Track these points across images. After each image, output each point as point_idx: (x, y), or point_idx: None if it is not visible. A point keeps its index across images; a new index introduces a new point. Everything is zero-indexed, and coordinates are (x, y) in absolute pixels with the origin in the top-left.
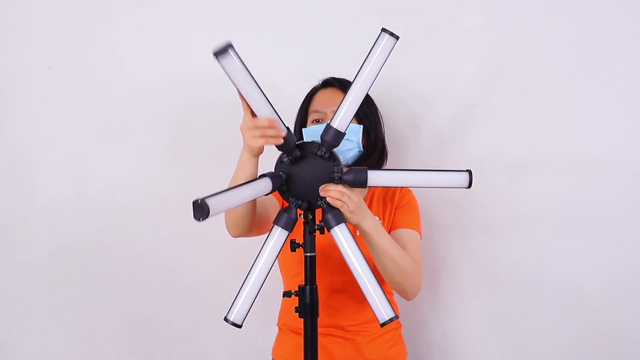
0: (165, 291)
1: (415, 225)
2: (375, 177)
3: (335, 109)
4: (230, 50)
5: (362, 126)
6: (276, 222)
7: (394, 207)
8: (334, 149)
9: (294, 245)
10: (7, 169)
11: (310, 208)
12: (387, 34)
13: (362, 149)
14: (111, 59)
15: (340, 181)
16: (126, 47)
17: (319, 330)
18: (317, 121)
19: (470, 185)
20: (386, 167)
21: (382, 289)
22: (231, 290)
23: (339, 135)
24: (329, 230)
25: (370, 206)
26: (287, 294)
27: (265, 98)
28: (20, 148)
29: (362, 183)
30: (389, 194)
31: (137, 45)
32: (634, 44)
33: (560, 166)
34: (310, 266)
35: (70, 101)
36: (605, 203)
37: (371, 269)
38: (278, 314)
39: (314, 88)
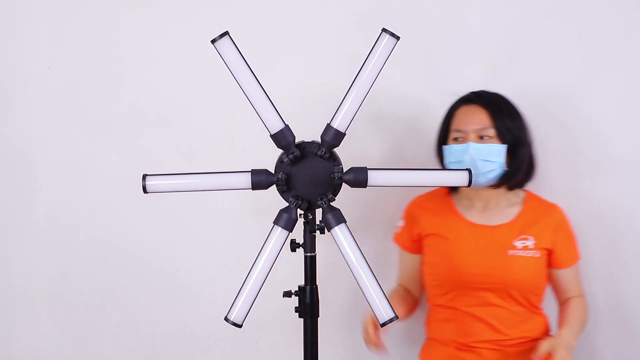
0: (166, 290)
1: (575, 255)
2: (376, 177)
3: (477, 127)
4: (226, 37)
5: (505, 146)
6: (276, 222)
7: (552, 227)
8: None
9: (294, 245)
10: (7, 169)
11: (310, 208)
12: (388, 34)
13: (505, 168)
14: (112, 59)
15: (340, 181)
16: (127, 47)
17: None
18: (456, 140)
19: (470, 184)
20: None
21: (382, 289)
22: (231, 290)
23: (339, 136)
24: (329, 230)
25: (524, 224)
26: (287, 294)
27: (260, 87)
28: (20, 148)
29: (362, 183)
30: (539, 210)
31: (138, 45)
32: (634, 44)
33: (561, 165)
34: (310, 266)
35: (70, 101)
36: (605, 201)
37: (371, 269)
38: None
39: (454, 104)
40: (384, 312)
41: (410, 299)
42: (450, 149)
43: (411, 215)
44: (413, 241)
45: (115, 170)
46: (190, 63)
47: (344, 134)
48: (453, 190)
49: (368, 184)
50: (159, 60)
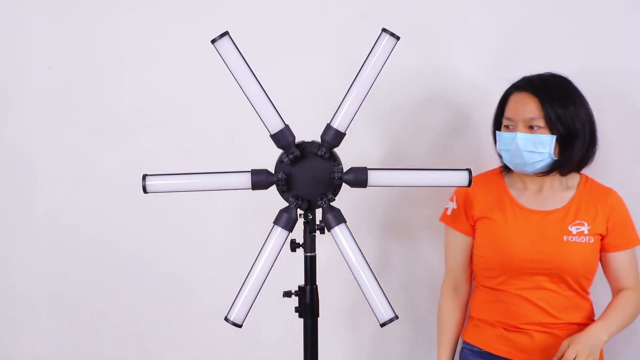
0: (166, 291)
1: (631, 239)
2: (376, 177)
3: (526, 117)
4: (226, 38)
5: (554, 137)
6: (276, 222)
7: (606, 212)
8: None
9: (293, 245)
10: (7, 169)
11: (310, 208)
12: (388, 34)
13: (554, 158)
14: (112, 59)
15: (340, 181)
16: (127, 47)
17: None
18: (507, 127)
19: (470, 184)
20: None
21: (382, 289)
22: (231, 290)
23: (338, 136)
24: (329, 230)
25: (578, 209)
26: (287, 294)
27: (260, 87)
28: (20, 148)
29: (362, 183)
30: (594, 195)
31: (138, 45)
32: (634, 44)
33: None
34: (310, 266)
35: (70, 101)
36: None
37: (371, 269)
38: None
39: (507, 90)
40: (384, 312)
41: (461, 314)
42: (501, 136)
43: (465, 197)
44: (470, 225)
45: (115, 170)
46: (190, 63)
47: (344, 134)
48: (506, 171)
49: (368, 184)
50: (159, 60)
